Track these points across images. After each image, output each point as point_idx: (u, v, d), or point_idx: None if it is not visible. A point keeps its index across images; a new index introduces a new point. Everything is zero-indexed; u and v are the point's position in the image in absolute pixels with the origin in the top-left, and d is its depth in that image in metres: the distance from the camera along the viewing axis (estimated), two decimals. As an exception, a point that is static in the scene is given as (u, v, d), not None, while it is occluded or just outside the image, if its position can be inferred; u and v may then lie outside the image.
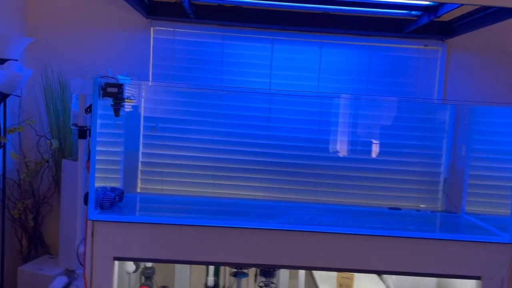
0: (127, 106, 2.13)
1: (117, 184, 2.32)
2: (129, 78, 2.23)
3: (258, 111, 2.63)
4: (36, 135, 2.57)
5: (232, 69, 2.67)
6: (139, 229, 1.94)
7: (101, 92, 1.89)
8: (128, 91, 2.12)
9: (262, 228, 1.95)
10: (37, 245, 2.62)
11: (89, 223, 1.93)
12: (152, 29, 2.66)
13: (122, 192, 2.12)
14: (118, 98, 1.89)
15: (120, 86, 1.88)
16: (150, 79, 2.67)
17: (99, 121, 1.89)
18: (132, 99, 1.99)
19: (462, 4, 1.99)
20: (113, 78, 1.97)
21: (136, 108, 2.49)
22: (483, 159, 2.43)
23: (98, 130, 1.88)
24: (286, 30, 2.65)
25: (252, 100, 2.63)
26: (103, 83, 1.87)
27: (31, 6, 2.61)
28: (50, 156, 2.56)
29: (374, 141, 2.61)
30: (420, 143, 2.60)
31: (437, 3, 2.06)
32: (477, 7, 2.17)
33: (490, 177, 2.40)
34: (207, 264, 2.28)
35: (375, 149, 2.61)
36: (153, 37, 2.68)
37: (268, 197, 2.58)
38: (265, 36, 2.67)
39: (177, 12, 2.52)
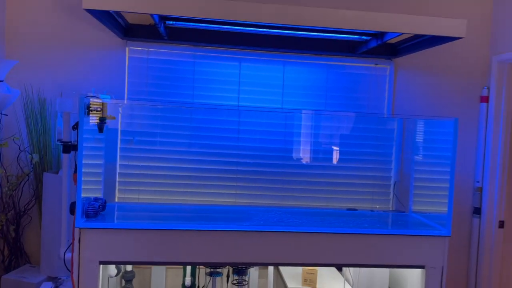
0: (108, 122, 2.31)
1: (99, 194, 2.49)
2: (109, 96, 2.42)
3: (228, 124, 2.87)
4: (19, 150, 2.70)
5: (203, 85, 2.90)
6: (122, 235, 2.13)
7: (87, 111, 2.07)
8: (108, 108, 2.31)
9: (234, 230, 2.18)
10: (17, 255, 2.73)
11: (76, 230, 2.10)
12: (127, 49, 2.86)
13: (105, 202, 2.30)
14: (102, 116, 2.08)
15: (104, 105, 2.07)
16: (126, 96, 2.86)
17: (84, 137, 2.07)
18: (113, 116, 2.18)
19: (401, 33, 2.33)
20: (97, 97, 2.16)
21: (114, 123, 2.67)
22: (426, 164, 2.78)
23: (83, 145, 2.06)
24: (252, 50, 2.92)
25: (222, 114, 2.87)
26: (88, 103, 2.06)
27: (10, 28, 2.74)
28: (31, 169, 2.69)
29: (334, 148, 2.92)
30: (373, 151, 2.93)
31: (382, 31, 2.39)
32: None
33: (432, 179, 2.75)
34: (184, 264, 2.49)
35: (334, 157, 2.92)
36: (129, 57, 2.87)
37: (238, 203, 2.82)
38: (234, 56, 2.92)
39: (152, 34, 2.73)
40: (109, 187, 2.69)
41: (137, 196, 2.78)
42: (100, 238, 2.11)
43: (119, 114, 2.74)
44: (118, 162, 2.76)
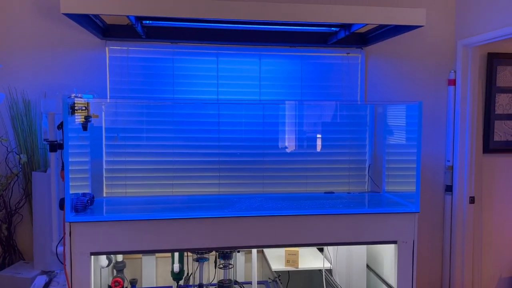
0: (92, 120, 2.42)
1: (87, 190, 2.60)
2: (92, 96, 2.53)
3: (208, 117, 2.99)
4: (7, 151, 2.79)
5: (183, 81, 3.01)
6: (110, 227, 2.25)
7: (70, 110, 2.18)
8: (91, 106, 2.42)
9: (217, 217, 2.32)
10: (11, 252, 2.83)
11: (67, 225, 2.21)
12: (107, 49, 2.95)
13: (93, 197, 2.42)
14: (86, 115, 2.19)
15: (88, 104, 2.17)
16: (108, 95, 2.96)
17: (70, 135, 2.17)
18: (97, 115, 2.29)
19: (366, 24, 2.47)
20: (79, 97, 2.26)
21: (98, 121, 2.78)
22: (396, 147, 2.94)
23: (69, 143, 2.17)
24: (229, 45, 3.03)
25: (203, 108, 2.99)
26: (72, 103, 2.16)
27: (-9, 32, 2.82)
28: (20, 170, 2.79)
29: (311, 135, 3.06)
30: (348, 136, 3.08)
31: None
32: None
33: (403, 161, 2.91)
34: (171, 251, 2.62)
35: (311, 144, 3.06)
36: (109, 56, 2.96)
37: (222, 192, 2.96)
38: (211, 51, 3.04)
39: (130, 33, 2.83)
40: (97, 183, 2.80)
41: (124, 190, 2.89)
42: (89, 231, 2.23)
43: (103, 113, 2.84)
44: (104, 158, 2.87)
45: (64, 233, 2.22)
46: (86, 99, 2.26)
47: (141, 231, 2.27)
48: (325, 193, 2.94)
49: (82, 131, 2.26)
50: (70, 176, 2.22)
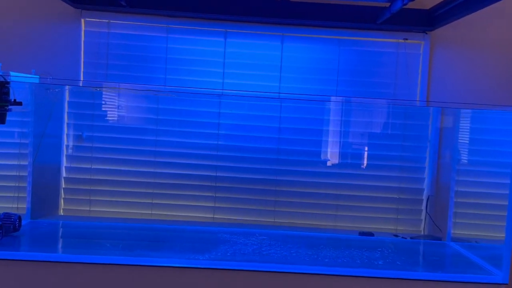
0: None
1: (23, 206, 1.90)
2: (37, 77, 1.82)
3: (206, 117, 2.21)
4: None
5: (178, 67, 2.26)
6: (27, 269, 1.51)
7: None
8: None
9: (187, 267, 1.52)
10: None
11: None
12: (82, 21, 2.25)
13: (19, 219, 1.70)
14: (1, 100, 1.48)
15: (2, 85, 1.46)
16: (82, 80, 2.26)
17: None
18: (20, 102, 1.57)
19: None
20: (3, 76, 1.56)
21: (57, 113, 2.08)
22: (473, 173, 2.01)
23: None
24: (241, 22, 2.24)
25: (199, 104, 2.22)
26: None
27: None
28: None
29: (345, 149, 2.20)
30: (398, 154, 2.19)
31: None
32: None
33: (481, 194, 1.98)
34: None
35: (345, 162, 2.20)
36: (84, 30, 2.27)
37: (211, 219, 2.17)
38: (217, 29, 2.26)
39: (112, 1, 2.11)
40: (50, 197, 2.10)
41: (87, 208, 2.17)
42: (-1, 271, 1.51)
43: (65, 103, 2.15)
44: (64, 164, 2.17)
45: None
46: (5, 78, 1.54)
47: (77, 281, 1.52)
48: (360, 234, 2.06)
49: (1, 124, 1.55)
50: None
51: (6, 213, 1.68)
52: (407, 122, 2.21)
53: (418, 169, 2.19)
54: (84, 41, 2.27)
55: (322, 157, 2.22)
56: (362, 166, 2.18)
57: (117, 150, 2.17)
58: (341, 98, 2.26)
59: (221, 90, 2.23)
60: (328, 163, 2.21)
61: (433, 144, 2.16)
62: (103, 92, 2.21)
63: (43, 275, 1.52)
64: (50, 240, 1.73)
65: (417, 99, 2.27)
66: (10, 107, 1.51)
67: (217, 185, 2.18)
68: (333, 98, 2.27)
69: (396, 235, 2.06)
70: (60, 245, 1.72)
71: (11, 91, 1.51)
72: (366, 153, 2.19)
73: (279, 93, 2.23)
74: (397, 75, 2.28)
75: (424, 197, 2.18)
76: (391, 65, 2.28)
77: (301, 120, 2.23)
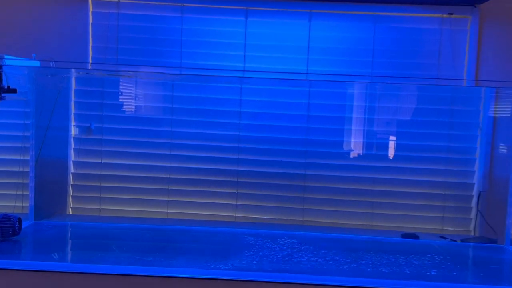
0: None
1: (25, 204, 1.72)
2: (38, 61, 1.63)
3: (226, 105, 1.99)
4: None
5: (195, 50, 2.04)
6: (26, 280, 1.33)
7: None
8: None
9: (208, 278, 1.31)
10: None
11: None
12: (89, 0, 2.05)
13: (19, 221, 1.52)
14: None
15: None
16: (90, 66, 2.06)
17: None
18: (14, 89, 1.37)
19: None
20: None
21: (63, 102, 1.89)
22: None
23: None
24: (264, -1, 2.01)
25: (216, 91, 2.00)
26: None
27: None
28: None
29: (384, 139, 1.95)
30: (444, 145, 1.93)
31: None
32: None
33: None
34: None
35: (383, 153, 1.96)
36: (92, 12, 2.07)
37: (232, 218, 1.96)
38: (237, 7, 2.03)
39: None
40: (56, 195, 1.93)
41: (97, 207, 1.98)
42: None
43: (72, 91, 1.95)
44: (72, 158, 1.98)
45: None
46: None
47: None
48: (403, 236, 1.81)
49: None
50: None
51: (4, 214, 1.50)
52: (455, 108, 1.94)
53: (467, 161, 1.92)
54: (92, 24, 2.06)
55: (356, 148, 1.98)
56: (402, 159, 1.93)
57: (129, 143, 1.98)
58: (377, 81, 2.00)
59: (242, 72, 1.99)
60: (363, 155, 1.96)
61: (485, 133, 1.89)
62: (113, 80, 2.00)
63: (45, 287, 1.33)
64: (54, 245, 1.54)
65: (464, 84, 2.00)
66: (3, 94, 1.31)
67: (239, 180, 1.97)
68: (368, 81, 2.01)
69: (443, 237, 1.81)
70: (65, 252, 1.53)
71: (4, 76, 1.31)
72: (406, 143, 1.93)
73: (308, 73, 1.98)
74: (440, 55, 2.00)
75: (475, 193, 1.91)
76: (433, 44, 2.01)
77: (332, 107, 1.98)
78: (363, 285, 1.25)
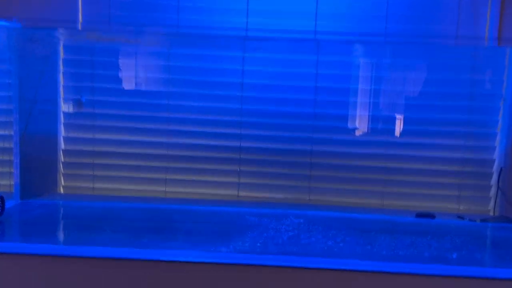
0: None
1: (10, 184, 1.60)
2: (19, 24, 1.48)
3: (225, 74, 1.84)
4: None
5: (194, 5, 1.85)
6: (7, 265, 1.21)
7: None
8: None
9: (208, 262, 1.19)
10: None
11: None
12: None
13: (1, 200, 1.40)
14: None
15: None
16: (80, 27, 1.90)
17: None
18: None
19: None
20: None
21: (49, 73, 1.75)
22: None
23: None
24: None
25: (220, 60, 1.84)
26: None
27: None
28: None
29: (397, 113, 1.81)
30: (463, 117, 1.78)
31: None
32: None
33: None
34: None
35: (398, 126, 1.81)
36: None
37: (234, 197, 1.83)
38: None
39: None
40: (46, 173, 1.80)
41: (91, 185, 1.86)
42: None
43: (59, 61, 1.80)
44: (62, 134, 1.85)
45: None
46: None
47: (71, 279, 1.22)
48: (418, 215, 1.69)
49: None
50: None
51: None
52: (475, 76, 1.79)
53: (488, 135, 1.78)
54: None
55: (367, 122, 1.83)
56: (416, 133, 1.79)
57: (123, 117, 1.84)
58: (391, 40, 1.84)
59: (244, 33, 1.83)
60: (374, 129, 1.82)
61: (509, 104, 1.75)
62: (105, 47, 1.85)
63: (30, 271, 1.22)
64: (41, 226, 1.42)
65: (485, 43, 1.83)
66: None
67: (241, 157, 1.84)
68: (378, 42, 1.84)
69: (461, 217, 1.68)
70: (52, 233, 1.42)
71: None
72: (421, 116, 1.79)
73: (316, 30, 1.81)
74: (460, 9, 1.82)
75: (495, 170, 1.78)
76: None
77: (341, 77, 1.83)
78: (380, 269, 1.13)
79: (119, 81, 1.83)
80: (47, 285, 1.23)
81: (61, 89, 1.81)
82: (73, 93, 1.82)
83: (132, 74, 1.86)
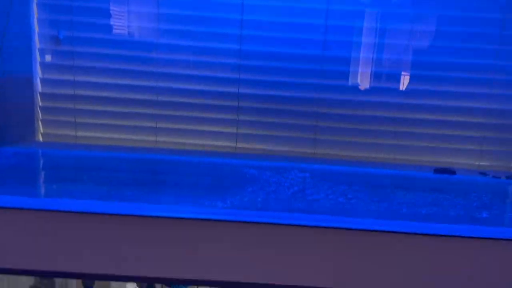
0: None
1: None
2: None
3: (225, 11, 1.62)
4: None
5: None
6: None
7: None
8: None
9: (203, 219, 1.04)
10: None
11: None
12: None
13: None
14: None
15: None
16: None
17: None
18: None
19: None
20: None
21: (22, 7, 1.53)
22: None
23: None
24: None
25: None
26: None
27: None
28: None
29: (419, 60, 1.62)
30: (486, 62, 1.59)
31: None
32: None
33: None
34: (116, 279, 1.41)
35: (411, 75, 1.62)
36: None
37: (232, 149, 1.67)
38: None
39: None
40: (20, 119, 1.62)
41: (73, 133, 1.68)
42: None
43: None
44: (39, 75, 1.65)
45: None
46: None
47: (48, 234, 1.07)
48: (436, 171, 1.53)
49: None
50: None
51: None
52: (503, 15, 1.58)
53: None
54: None
55: (379, 66, 1.64)
56: (434, 79, 1.61)
57: (107, 56, 1.63)
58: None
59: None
60: (387, 75, 1.63)
61: (543, 48, 1.55)
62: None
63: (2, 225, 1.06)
64: (13, 177, 1.26)
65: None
66: None
67: (240, 104, 1.65)
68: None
69: (484, 173, 1.53)
70: (27, 184, 1.25)
71: None
72: (440, 61, 1.60)
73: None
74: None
75: (521, 122, 1.61)
76: None
77: (352, 14, 1.62)
78: (401, 229, 0.97)
79: (103, 14, 1.60)
80: (20, 241, 1.08)
81: (35, 23, 1.59)
82: (49, 28, 1.60)
83: (118, 8, 1.63)
